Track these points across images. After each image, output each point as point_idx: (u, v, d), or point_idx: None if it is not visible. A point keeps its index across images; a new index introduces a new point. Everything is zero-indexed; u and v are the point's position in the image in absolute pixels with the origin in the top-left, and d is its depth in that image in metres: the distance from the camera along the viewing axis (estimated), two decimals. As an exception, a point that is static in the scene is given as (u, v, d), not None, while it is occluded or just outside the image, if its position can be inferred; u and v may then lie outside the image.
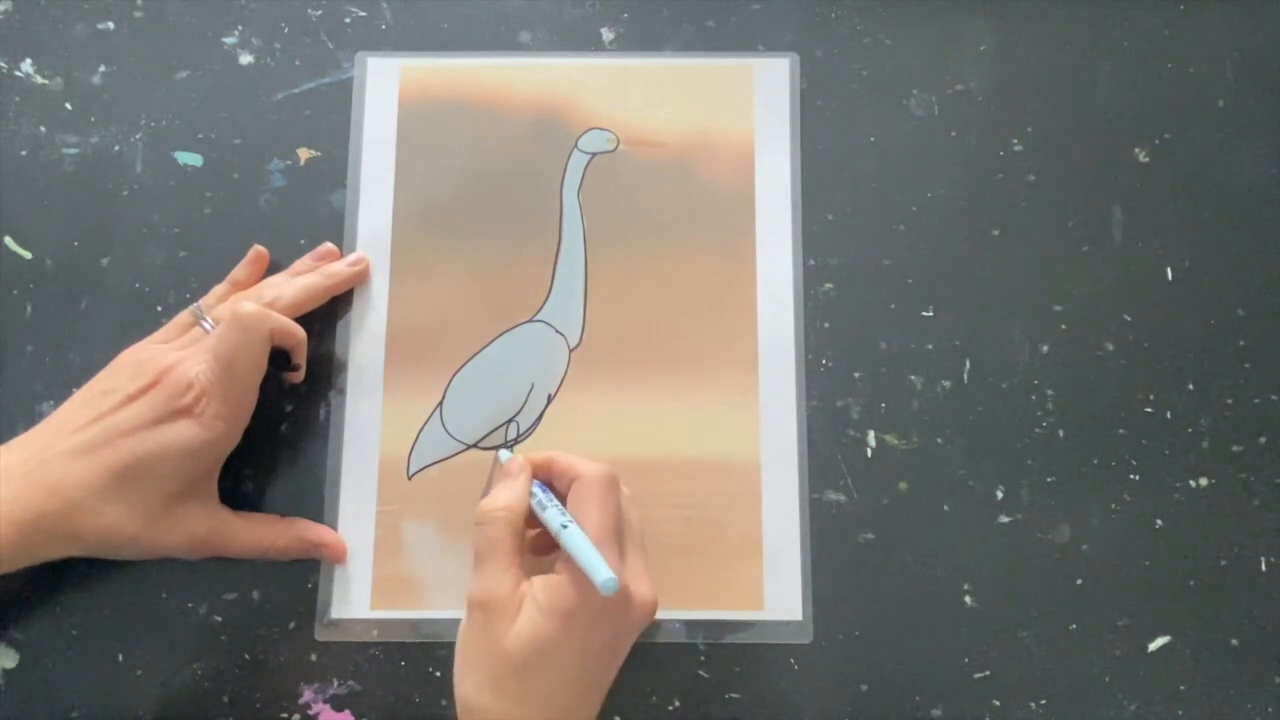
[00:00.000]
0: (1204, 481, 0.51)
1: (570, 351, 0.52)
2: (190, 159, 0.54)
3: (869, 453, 0.51)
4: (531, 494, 0.45)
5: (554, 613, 0.41)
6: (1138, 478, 0.51)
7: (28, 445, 0.46)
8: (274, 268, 0.53)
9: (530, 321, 0.52)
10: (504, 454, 0.49)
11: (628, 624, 0.43)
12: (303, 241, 0.53)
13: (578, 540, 0.42)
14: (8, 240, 0.53)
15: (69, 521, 0.44)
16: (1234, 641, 0.49)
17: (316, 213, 0.54)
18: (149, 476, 0.45)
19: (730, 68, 0.55)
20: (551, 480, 0.46)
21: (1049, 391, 0.52)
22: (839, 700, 0.49)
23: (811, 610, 0.49)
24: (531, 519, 0.45)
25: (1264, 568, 0.50)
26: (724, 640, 0.49)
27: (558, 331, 0.52)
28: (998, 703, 0.49)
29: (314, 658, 0.49)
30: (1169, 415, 0.52)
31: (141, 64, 0.55)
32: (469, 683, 0.42)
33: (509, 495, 0.44)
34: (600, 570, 0.41)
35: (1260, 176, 0.54)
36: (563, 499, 0.45)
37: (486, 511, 0.44)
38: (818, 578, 0.50)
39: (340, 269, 0.52)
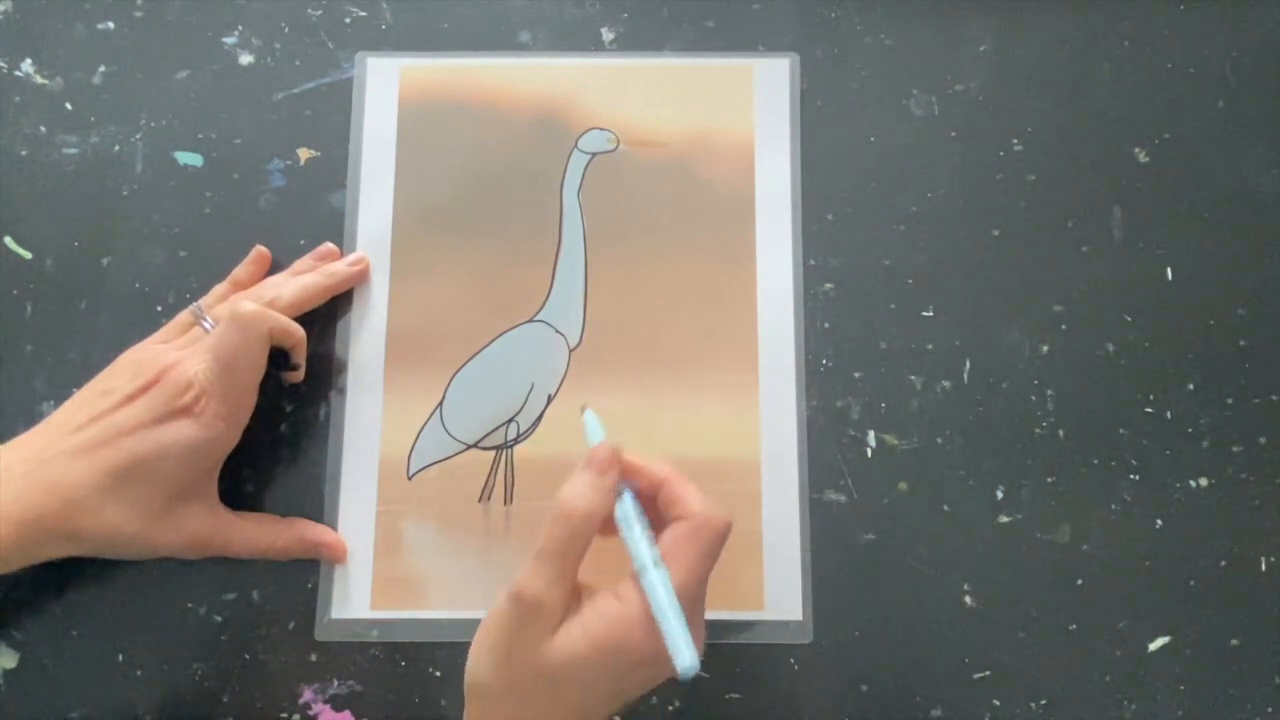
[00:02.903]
0: (1204, 481, 0.51)
1: (570, 351, 0.52)
2: (190, 159, 0.54)
3: (869, 453, 0.51)
4: (619, 500, 0.40)
5: (602, 647, 0.39)
6: (1138, 478, 0.51)
7: (28, 445, 0.46)
8: (274, 268, 0.53)
9: (530, 321, 0.52)
10: (592, 420, 0.43)
11: (668, 673, 0.40)
12: (303, 241, 0.53)
13: (664, 600, 0.38)
14: (8, 240, 0.53)
15: (69, 521, 0.44)
16: (1234, 641, 0.49)
17: (316, 213, 0.54)
18: (149, 476, 0.45)
19: (730, 68, 0.55)
20: (654, 496, 0.41)
21: (1049, 391, 0.52)
22: (839, 700, 0.49)
23: (811, 610, 0.49)
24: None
25: (1264, 568, 0.50)
26: (724, 640, 0.49)
27: (558, 331, 0.52)
28: (998, 703, 0.49)
29: (314, 658, 0.49)
30: (1169, 415, 0.52)
31: (141, 64, 0.56)
32: (485, 666, 0.40)
33: (593, 500, 0.40)
34: (684, 654, 0.37)
35: (1260, 176, 0.54)
36: (653, 514, 0.41)
37: (567, 510, 0.40)
38: (818, 578, 0.50)
39: (340, 269, 0.52)
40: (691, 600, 0.39)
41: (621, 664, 0.39)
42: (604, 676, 0.39)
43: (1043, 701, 0.49)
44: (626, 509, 0.40)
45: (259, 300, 0.49)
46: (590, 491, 0.40)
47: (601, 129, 0.54)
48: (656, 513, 0.42)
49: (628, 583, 0.40)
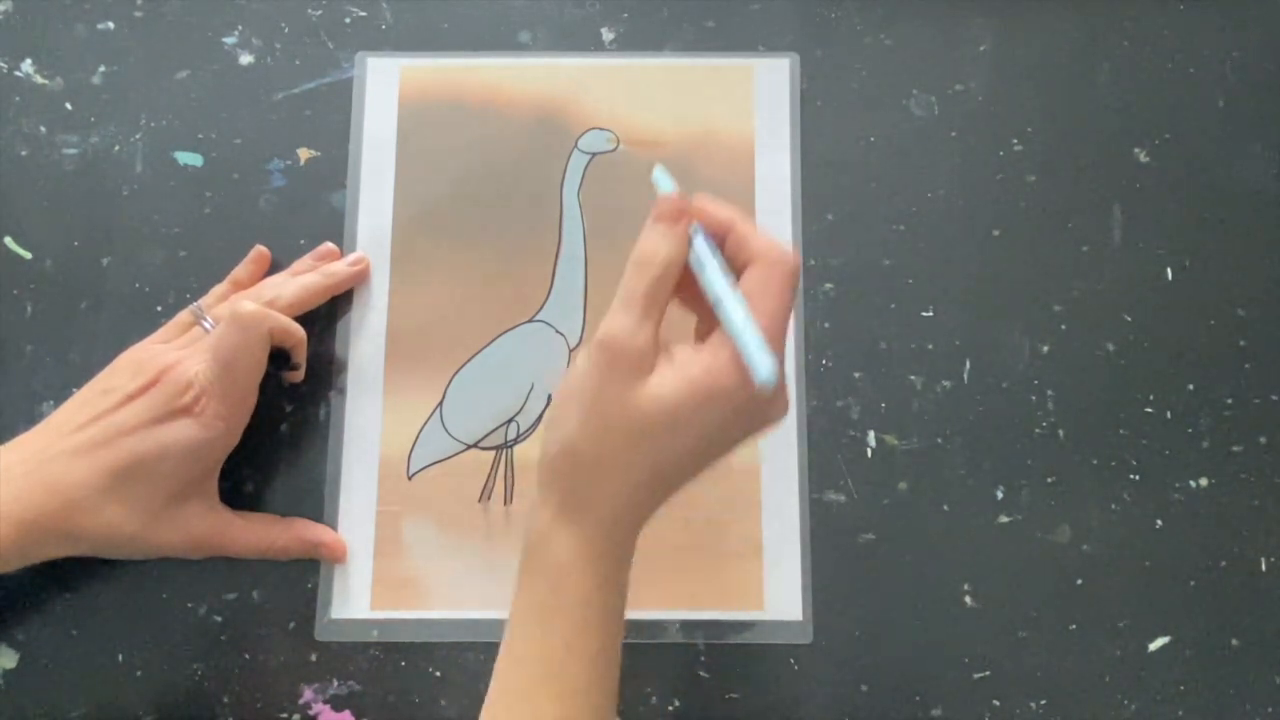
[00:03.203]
0: (1204, 481, 0.51)
1: (570, 351, 0.52)
2: (190, 159, 0.54)
3: (869, 453, 0.51)
4: (691, 244, 0.39)
5: (696, 390, 0.37)
6: (1138, 478, 0.51)
7: (28, 445, 0.46)
8: (274, 268, 0.53)
9: (530, 321, 0.52)
10: (662, 177, 0.41)
11: (764, 422, 0.39)
12: (303, 241, 0.53)
13: (740, 319, 0.37)
14: (8, 240, 0.53)
15: (69, 521, 0.44)
16: (1234, 641, 0.49)
17: (316, 213, 0.54)
18: (149, 476, 0.45)
19: (730, 68, 0.55)
20: (724, 244, 0.40)
21: (1049, 391, 0.52)
22: (839, 700, 0.49)
23: (811, 610, 0.49)
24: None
25: (1264, 568, 0.50)
26: (724, 640, 0.49)
27: (558, 331, 0.52)
28: (998, 703, 0.49)
29: (314, 658, 0.49)
30: (1169, 415, 0.52)
31: (141, 64, 0.55)
32: (572, 421, 0.38)
33: (669, 248, 0.39)
34: (763, 362, 0.36)
35: (1260, 176, 0.54)
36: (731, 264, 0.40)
37: (644, 258, 0.39)
38: (818, 578, 0.50)
39: (340, 269, 0.52)
40: (775, 336, 0.37)
41: (715, 411, 0.37)
42: (698, 424, 0.37)
43: (1043, 701, 0.49)
44: (699, 251, 0.39)
45: (259, 300, 0.49)
46: (663, 240, 0.39)
47: (601, 129, 0.54)
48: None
49: (718, 334, 0.38)
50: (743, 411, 0.38)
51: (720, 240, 0.40)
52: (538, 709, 0.38)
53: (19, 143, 0.54)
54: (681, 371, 0.37)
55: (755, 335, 0.37)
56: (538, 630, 0.39)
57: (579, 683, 0.38)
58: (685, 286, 0.40)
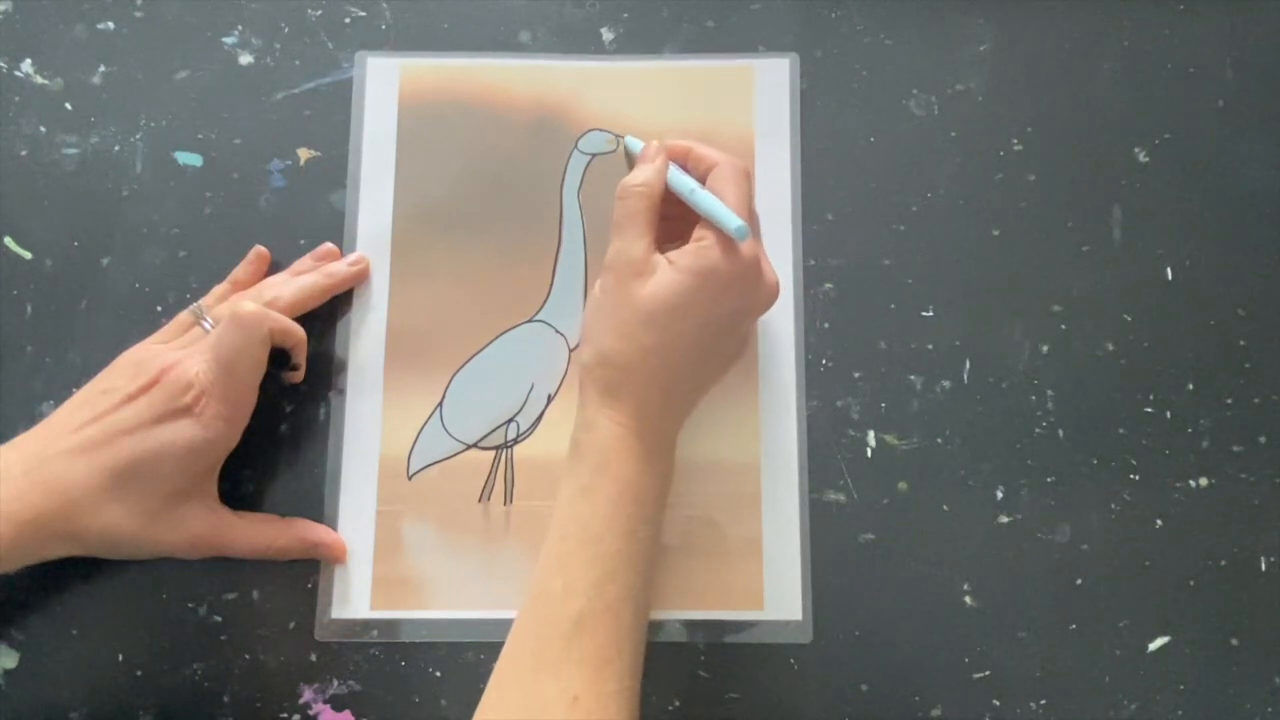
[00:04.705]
0: (1204, 481, 0.51)
1: (570, 351, 0.52)
2: (190, 159, 0.54)
3: (869, 453, 0.51)
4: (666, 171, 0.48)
5: (691, 271, 0.44)
6: (1138, 478, 0.51)
7: (27, 445, 0.46)
8: (274, 268, 0.53)
9: (530, 321, 0.52)
10: (632, 141, 0.52)
11: (754, 299, 0.47)
12: (303, 241, 0.53)
13: (709, 198, 0.45)
14: (8, 240, 0.53)
15: (69, 521, 0.44)
16: (1234, 641, 0.49)
17: (316, 213, 0.54)
18: (149, 476, 0.45)
19: (730, 68, 0.55)
20: (686, 167, 0.49)
21: (1049, 391, 0.52)
22: (839, 700, 0.49)
23: (811, 610, 0.49)
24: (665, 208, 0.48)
25: (1264, 568, 0.50)
26: (724, 640, 0.49)
27: (558, 331, 0.52)
28: (998, 703, 0.49)
29: (314, 658, 0.49)
30: (1169, 415, 0.52)
31: (141, 64, 0.56)
32: (598, 330, 0.46)
33: (647, 173, 0.47)
34: (731, 218, 0.44)
35: (1260, 176, 0.54)
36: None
37: (626, 187, 0.47)
38: (818, 578, 0.50)
39: (340, 269, 0.52)
40: (743, 215, 0.45)
41: (710, 289, 0.44)
42: (698, 304, 0.44)
43: (1043, 701, 0.49)
44: (672, 171, 0.48)
45: (259, 300, 0.49)
46: (644, 173, 0.47)
47: (601, 130, 0.54)
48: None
49: (698, 229, 0.46)
50: (734, 287, 0.45)
51: (683, 162, 0.49)
52: (574, 573, 0.43)
53: (19, 143, 0.54)
54: (677, 263, 0.45)
55: (721, 205, 0.45)
56: (580, 509, 0.44)
57: (612, 550, 0.43)
58: (667, 220, 0.47)
